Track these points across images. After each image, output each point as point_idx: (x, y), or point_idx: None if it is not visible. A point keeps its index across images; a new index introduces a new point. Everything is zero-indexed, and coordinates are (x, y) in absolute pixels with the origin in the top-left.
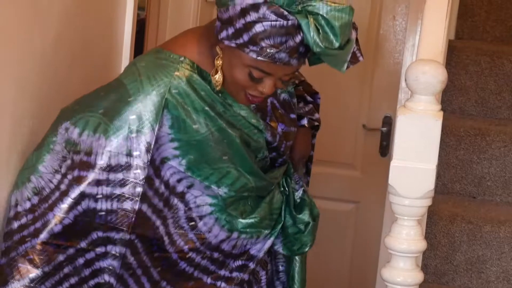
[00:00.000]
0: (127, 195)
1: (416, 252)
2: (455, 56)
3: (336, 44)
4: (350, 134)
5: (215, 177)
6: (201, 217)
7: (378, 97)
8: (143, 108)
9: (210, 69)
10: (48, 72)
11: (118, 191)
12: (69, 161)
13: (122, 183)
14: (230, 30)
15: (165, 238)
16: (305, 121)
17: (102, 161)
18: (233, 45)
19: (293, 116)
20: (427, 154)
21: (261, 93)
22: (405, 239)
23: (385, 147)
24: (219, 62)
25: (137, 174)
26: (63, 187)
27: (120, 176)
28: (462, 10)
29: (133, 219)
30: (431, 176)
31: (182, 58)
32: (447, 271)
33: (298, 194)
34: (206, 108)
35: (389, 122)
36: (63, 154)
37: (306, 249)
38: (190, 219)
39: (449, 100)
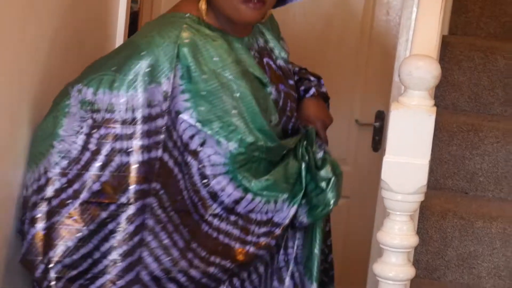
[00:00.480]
0: (153, 145)
1: (408, 247)
2: (448, 51)
3: None
4: (343, 129)
5: (224, 130)
6: (215, 176)
7: (371, 92)
8: (157, 59)
9: (212, 23)
10: (42, 67)
11: (145, 142)
12: (90, 121)
13: (148, 134)
14: None
15: (184, 193)
16: (313, 90)
17: (126, 115)
18: None
19: (291, 82)
20: (420, 149)
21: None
22: (397, 234)
23: (377, 142)
24: (203, 3)
25: (159, 123)
26: (92, 146)
27: (145, 127)
28: (456, 6)
29: (157, 166)
30: (424, 172)
31: (187, 14)
32: (438, 266)
33: (319, 155)
34: (215, 58)
35: (382, 117)
36: (81, 115)
37: (331, 207)
38: (203, 176)
39: (442, 95)
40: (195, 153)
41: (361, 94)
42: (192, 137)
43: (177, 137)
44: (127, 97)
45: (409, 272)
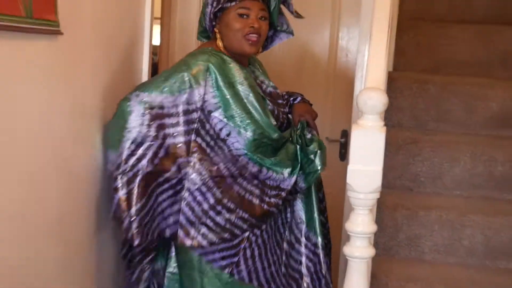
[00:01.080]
0: (189, 131)
1: (369, 233)
2: (393, 83)
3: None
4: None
5: (242, 123)
6: (239, 156)
7: (337, 115)
8: (194, 73)
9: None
10: (101, 94)
11: (185, 128)
12: (148, 116)
13: (186, 123)
14: (211, 7)
15: (220, 165)
16: (299, 98)
17: (173, 110)
18: (219, 7)
19: (280, 101)
20: (375, 159)
21: (253, 28)
22: (360, 224)
23: (343, 154)
24: (219, 41)
25: (194, 115)
26: (152, 133)
27: (184, 118)
28: (397, 50)
29: (192, 146)
30: (379, 176)
31: (210, 48)
32: (392, 246)
33: (308, 136)
34: (230, 74)
35: (346, 135)
36: (140, 112)
37: (319, 171)
38: (232, 156)
39: (389, 116)
40: (224, 141)
41: (330, 116)
42: (221, 129)
43: (209, 127)
44: (173, 98)
45: (371, 252)
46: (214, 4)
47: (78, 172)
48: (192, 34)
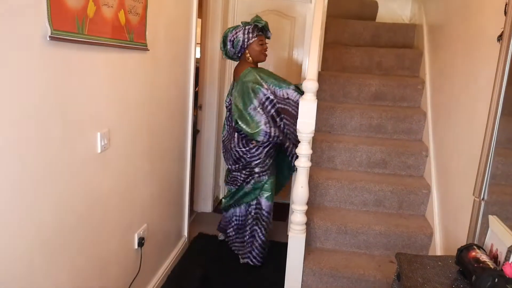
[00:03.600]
0: (274, 104)
1: (308, 154)
2: (320, 77)
3: (263, 22)
4: None
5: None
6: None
7: None
8: (256, 82)
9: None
10: (176, 85)
11: (273, 106)
12: (257, 101)
13: (271, 103)
14: (246, 41)
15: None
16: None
17: (271, 96)
18: (247, 45)
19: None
20: (311, 116)
21: (265, 50)
22: (304, 149)
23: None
24: (249, 57)
25: (272, 100)
26: (269, 109)
27: (272, 99)
28: (323, 59)
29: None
30: (313, 125)
31: (249, 67)
32: (320, 161)
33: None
34: (264, 76)
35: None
36: (255, 100)
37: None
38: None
39: (319, 94)
40: (276, 96)
41: None
42: (274, 92)
43: (274, 96)
44: (267, 90)
45: (309, 164)
46: (247, 39)
47: (169, 136)
48: (216, 52)
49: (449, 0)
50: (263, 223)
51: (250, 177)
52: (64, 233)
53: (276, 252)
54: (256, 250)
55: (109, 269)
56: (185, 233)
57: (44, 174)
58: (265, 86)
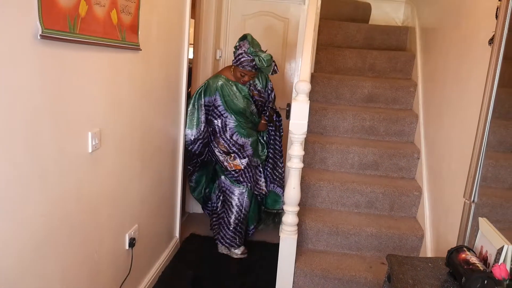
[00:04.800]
0: (213, 115)
1: (300, 155)
2: (313, 78)
3: (265, 65)
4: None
5: (231, 112)
6: (231, 129)
7: (286, 95)
8: (211, 89)
9: (231, 78)
10: (166, 83)
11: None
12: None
13: (209, 111)
14: (234, 61)
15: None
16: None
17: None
18: (235, 65)
19: (263, 95)
20: (303, 117)
21: (244, 81)
22: (296, 150)
23: (288, 115)
24: (232, 69)
25: (219, 108)
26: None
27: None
28: (316, 61)
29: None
30: (305, 126)
31: (221, 75)
32: (312, 162)
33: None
34: (229, 92)
35: (289, 105)
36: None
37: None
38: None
39: (311, 95)
40: (224, 123)
41: (281, 95)
42: (222, 115)
43: (218, 114)
44: (208, 99)
45: (301, 165)
46: (236, 61)
47: (156, 134)
48: (209, 54)
49: (442, 4)
50: (228, 203)
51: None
52: (54, 234)
53: (268, 253)
54: (223, 231)
55: (100, 270)
56: (177, 233)
57: (33, 175)
58: (212, 97)
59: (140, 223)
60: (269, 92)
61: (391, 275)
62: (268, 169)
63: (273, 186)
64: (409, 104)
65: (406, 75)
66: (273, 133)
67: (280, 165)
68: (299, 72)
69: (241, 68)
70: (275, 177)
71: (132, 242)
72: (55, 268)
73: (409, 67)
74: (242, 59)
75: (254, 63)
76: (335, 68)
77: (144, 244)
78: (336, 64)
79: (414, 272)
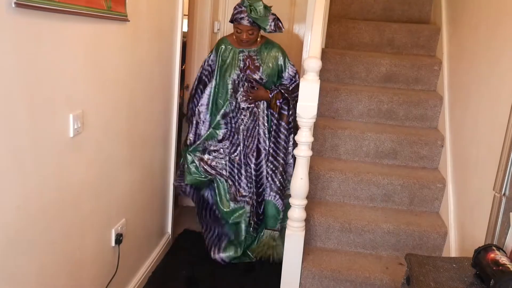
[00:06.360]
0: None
1: (309, 142)
2: (324, 55)
3: (258, 15)
4: None
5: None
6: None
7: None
8: (215, 49)
9: (233, 41)
10: (152, 66)
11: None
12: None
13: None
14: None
15: None
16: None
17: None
18: (230, 22)
19: (262, 76)
20: (313, 99)
21: (243, 37)
22: (304, 136)
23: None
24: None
25: (213, 67)
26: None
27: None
28: (328, 35)
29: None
30: (315, 109)
31: (225, 39)
32: (322, 150)
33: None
34: (225, 54)
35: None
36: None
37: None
38: None
39: (322, 74)
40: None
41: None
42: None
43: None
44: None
45: (309, 153)
46: (232, 17)
47: (147, 116)
48: (206, 26)
49: None
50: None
51: None
52: (30, 228)
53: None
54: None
55: (82, 269)
56: (169, 229)
57: (6, 161)
58: (211, 58)
59: (128, 218)
60: (286, 75)
61: (411, 277)
62: (269, 169)
63: (274, 196)
64: (432, 85)
65: (430, 51)
66: (276, 121)
67: (282, 162)
68: (308, 47)
69: (236, 23)
70: (275, 181)
71: (119, 239)
72: (31, 267)
73: (433, 43)
74: (234, 12)
75: (246, 14)
76: (349, 43)
77: (132, 241)
78: (350, 39)
79: (436, 273)
